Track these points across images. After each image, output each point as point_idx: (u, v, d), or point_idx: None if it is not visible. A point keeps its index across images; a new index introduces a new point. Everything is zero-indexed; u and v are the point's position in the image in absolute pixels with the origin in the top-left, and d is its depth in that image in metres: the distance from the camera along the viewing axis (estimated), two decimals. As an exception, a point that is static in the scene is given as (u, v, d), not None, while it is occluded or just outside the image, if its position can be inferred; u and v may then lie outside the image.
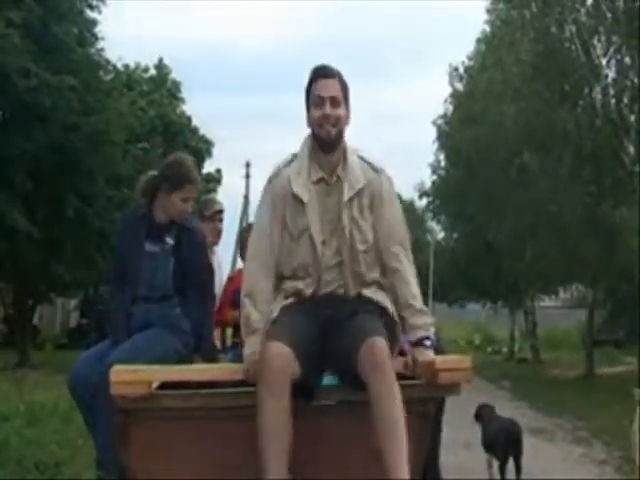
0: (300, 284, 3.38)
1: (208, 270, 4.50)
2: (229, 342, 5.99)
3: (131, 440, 3.38)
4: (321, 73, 3.42)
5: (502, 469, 7.10)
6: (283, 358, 3.10)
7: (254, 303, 3.38)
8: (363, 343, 3.12)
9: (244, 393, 3.29)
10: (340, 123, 3.42)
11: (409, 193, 35.08)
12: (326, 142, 3.41)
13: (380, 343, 3.14)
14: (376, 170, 3.48)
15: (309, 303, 3.36)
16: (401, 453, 3.06)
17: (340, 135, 3.44)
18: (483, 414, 7.72)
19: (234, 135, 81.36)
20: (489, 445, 7.43)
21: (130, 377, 3.30)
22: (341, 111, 3.43)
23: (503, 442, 7.22)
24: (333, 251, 3.34)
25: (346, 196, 3.38)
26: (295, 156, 3.50)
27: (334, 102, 3.39)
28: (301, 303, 3.37)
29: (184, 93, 33.33)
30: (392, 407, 3.08)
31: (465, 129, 23.41)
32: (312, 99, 3.43)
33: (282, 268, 3.41)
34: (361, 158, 3.49)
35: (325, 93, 3.40)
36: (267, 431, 3.07)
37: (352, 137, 3.50)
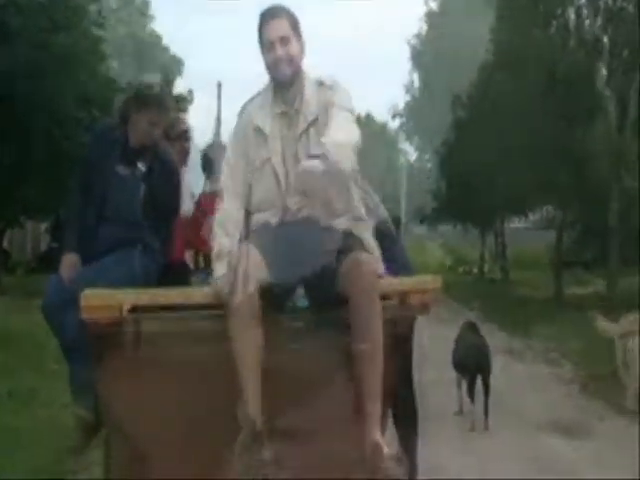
0: (266, 215, 3.42)
1: (177, 198, 4.46)
2: (202, 264, 5.98)
3: (104, 367, 3.37)
4: (267, 16, 3.46)
5: (470, 388, 7.27)
6: (252, 260, 3.16)
7: (226, 231, 3.44)
8: (347, 257, 3.17)
9: (218, 316, 3.29)
10: (294, 60, 3.46)
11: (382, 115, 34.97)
12: (283, 82, 3.47)
13: (367, 259, 3.20)
14: (330, 88, 3.48)
15: (278, 227, 3.39)
16: (378, 380, 3.14)
17: (296, 71, 3.48)
18: (459, 333, 7.86)
19: (206, 54, 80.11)
20: (458, 364, 7.59)
21: (100, 301, 3.27)
22: (293, 48, 3.46)
23: (471, 361, 7.38)
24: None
25: (300, 128, 3.43)
26: (260, 93, 3.57)
27: (284, 41, 3.43)
28: (269, 228, 3.40)
29: (155, 10, 32.70)
30: (377, 331, 3.15)
31: (439, 48, 23.18)
32: (263, 43, 3.47)
33: (248, 201, 3.47)
34: (319, 83, 3.50)
35: (274, 35, 3.44)
36: (240, 358, 3.14)
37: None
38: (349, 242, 3.27)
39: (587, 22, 17.72)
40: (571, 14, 17.92)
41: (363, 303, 3.12)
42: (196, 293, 3.60)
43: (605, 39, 17.65)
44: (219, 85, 42.05)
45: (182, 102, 33.25)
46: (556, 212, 22.65)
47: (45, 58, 16.93)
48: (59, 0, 17.93)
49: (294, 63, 3.46)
